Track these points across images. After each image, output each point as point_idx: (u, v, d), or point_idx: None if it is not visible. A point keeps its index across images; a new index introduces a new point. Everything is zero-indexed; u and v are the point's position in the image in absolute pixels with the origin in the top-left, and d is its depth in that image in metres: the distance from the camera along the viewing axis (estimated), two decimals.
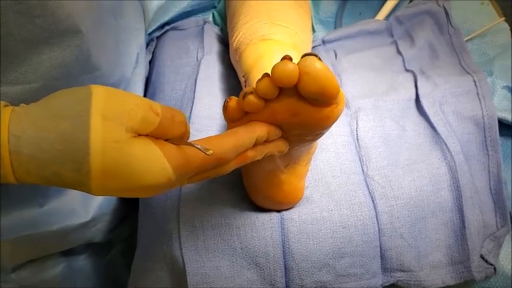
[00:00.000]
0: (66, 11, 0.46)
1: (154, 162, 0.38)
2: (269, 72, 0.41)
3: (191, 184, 0.59)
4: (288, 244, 0.55)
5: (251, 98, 0.43)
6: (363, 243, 0.56)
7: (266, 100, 0.43)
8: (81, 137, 0.35)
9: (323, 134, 0.48)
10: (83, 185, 0.36)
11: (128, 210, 0.72)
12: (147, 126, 0.38)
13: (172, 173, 0.39)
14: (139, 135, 0.38)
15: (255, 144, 0.45)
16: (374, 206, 0.58)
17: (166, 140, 0.40)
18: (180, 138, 0.41)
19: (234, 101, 0.44)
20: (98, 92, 0.37)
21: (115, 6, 0.60)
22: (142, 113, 0.38)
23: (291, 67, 0.40)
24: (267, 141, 0.46)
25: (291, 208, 0.57)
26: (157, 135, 0.39)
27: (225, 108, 0.45)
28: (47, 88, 0.47)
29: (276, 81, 0.41)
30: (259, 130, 0.44)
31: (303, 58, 0.40)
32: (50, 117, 0.36)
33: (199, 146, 0.41)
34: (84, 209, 0.64)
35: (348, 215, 0.57)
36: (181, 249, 0.56)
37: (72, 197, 0.62)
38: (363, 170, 0.61)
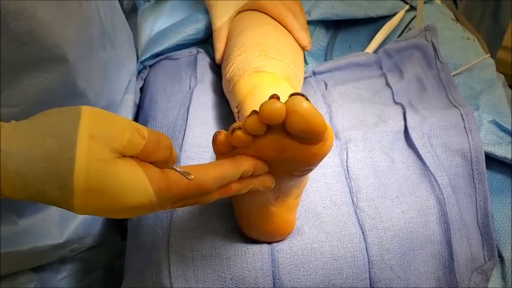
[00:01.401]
0: (54, 40, 0.47)
1: (136, 183, 0.38)
2: (257, 109, 0.42)
3: (182, 214, 0.58)
4: (279, 276, 0.54)
5: (239, 133, 0.43)
6: (353, 275, 0.56)
7: (254, 136, 0.44)
8: (67, 155, 0.36)
9: (312, 169, 0.49)
10: (65, 202, 0.37)
11: (107, 235, 0.72)
12: (132, 148, 0.39)
13: (153, 196, 0.39)
14: (124, 156, 0.39)
15: (241, 178, 0.45)
16: (364, 238, 0.58)
17: (150, 163, 0.40)
18: (165, 162, 0.41)
19: (222, 134, 0.45)
20: (87, 113, 0.38)
21: (106, 36, 0.61)
22: (128, 135, 0.38)
23: (278, 105, 0.41)
24: (253, 175, 0.46)
25: (282, 239, 0.57)
26: (142, 158, 0.40)
27: (214, 141, 0.46)
28: (30, 113, 0.48)
29: (263, 118, 0.42)
30: (245, 164, 0.45)
31: (291, 97, 0.41)
32: (38, 134, 0.36)
33: (180, 170, 0.42)
34: (59, 230, 0.64)
35: (338, 246, 0.57)
36: (170, 278, 0.55)
37: (48, 217, 0.62)
38: (353, 201, 0.61)
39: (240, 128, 0.44)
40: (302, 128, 0.42)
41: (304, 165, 0.47)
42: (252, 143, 0.44)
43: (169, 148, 0.41)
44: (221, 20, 0.74)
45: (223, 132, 0.45)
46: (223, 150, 0.46)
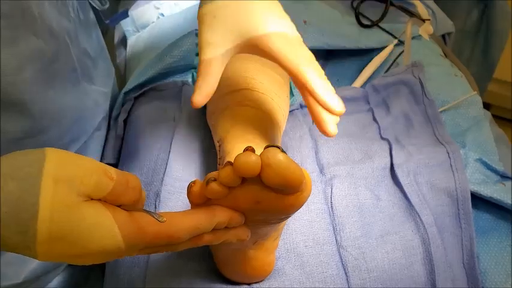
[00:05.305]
0: (8, 79, 0.47)
1: (104, 228, 0.37)
2: (232, 161, 0.41)
3: (160, 253, 0.57)
4: None
5: (214, 185, 0.42)
6: None
7: (229, 187, 0.43)
8: (30, 200, 0.34)
9: (289, 217, 0.48)
10: (28, 249, 0.35)
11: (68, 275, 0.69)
12: (100, 191, 0.37)
13: (121, 242, 0.38)
14: (92, 199, 0.37)
15: (215, 229, 0.44)
16: (347, 279, 0.57)
17: (119, 206, 0.39)
18: (133, 205, 0.40)
19: (197, 185, 0.44)
20: (52, 155, 0.36)
21: (80, 71, 0.60)
22: (96, 178, 0.37)
23: (253, 159, 0.40)
24: (227, 227, 0.45)
25: (261, 280, 0.56)
26: (110, 201, 0.38)
27: (189, 192, 0.44)
28: None
29: (238, 171, 0.40)
30: (220, 215, 0.43)
31: (266, 150, 0.40)
32: None
33: (152, 212, 0.40)
34: (15, 271, 0.60)
35: None
36: None
37: (5, 259, 0.59)
38: (336, 240, 0.60)
39: (215, 180, 0.42)
40: (278, 181, 0.41)
41: (280, 215, 0.46)
42: (228, 194, 0.43)
43: (138, 190, 0.40)
44: (214, 50, 0.53)
45: (198, 182, 0.44)
46: (197, 201, 0.44)
